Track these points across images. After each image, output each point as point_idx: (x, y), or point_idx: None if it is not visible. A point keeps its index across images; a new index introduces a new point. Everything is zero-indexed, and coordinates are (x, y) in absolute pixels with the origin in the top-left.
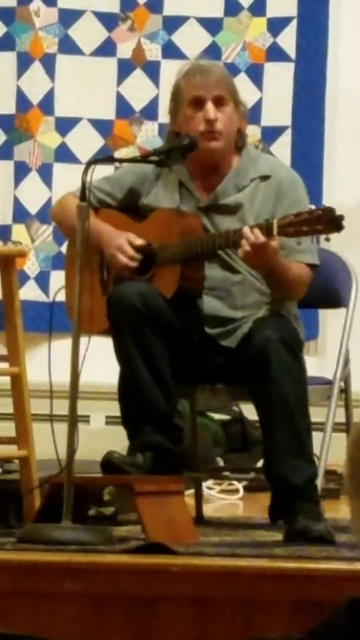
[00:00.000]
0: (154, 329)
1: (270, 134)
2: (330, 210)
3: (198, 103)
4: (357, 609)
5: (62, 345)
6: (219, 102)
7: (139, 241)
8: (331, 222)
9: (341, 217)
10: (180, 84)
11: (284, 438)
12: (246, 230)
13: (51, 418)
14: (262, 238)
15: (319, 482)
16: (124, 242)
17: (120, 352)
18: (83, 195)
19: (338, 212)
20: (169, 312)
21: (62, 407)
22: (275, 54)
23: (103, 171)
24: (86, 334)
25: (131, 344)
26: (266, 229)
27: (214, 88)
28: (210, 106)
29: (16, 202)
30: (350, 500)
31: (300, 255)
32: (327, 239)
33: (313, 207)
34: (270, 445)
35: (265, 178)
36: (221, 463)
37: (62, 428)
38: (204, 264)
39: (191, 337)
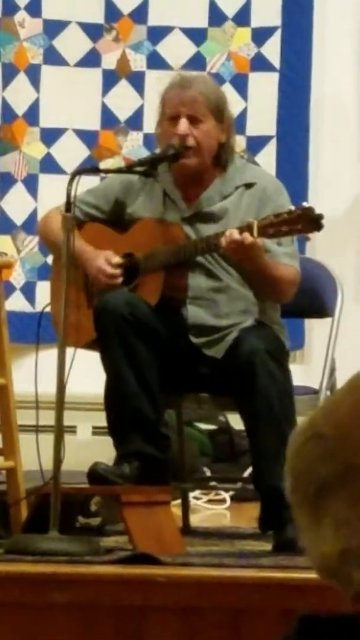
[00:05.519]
0: (141, 337)
1: (255, 144)
2: (309, 210)
3: (174, 119)
4: (308, 626)
5: (48, 356)
6: (193, 120)
7: (115, 259)
8: (311, 221)
9: (320, 216)
10: (163, 97)
11: (272, 448)
12: (231, 230)
13: (37, 429)
14: (249, 238)
15: None
16: (102, 263)
17: (107, 360)
18: (68, 207)
19: (317, 212)
20: (155, 320)
21: (48, 417)
22: (260, 63)
23: (88, 182)
24: (72, 347)
25: (118, 352)
26: (247, 231)
27: (189, 106)
28: (183, 122)
29: (2, 213)
30: (295, 514)
31: (283, 258)
32: (307, 239)
33: (293, 207)
34: (258, 455)
35: (249, 186)
36: (208, 473)
37: (48, 439)
38: (188, 272)
39: (177, 346)
